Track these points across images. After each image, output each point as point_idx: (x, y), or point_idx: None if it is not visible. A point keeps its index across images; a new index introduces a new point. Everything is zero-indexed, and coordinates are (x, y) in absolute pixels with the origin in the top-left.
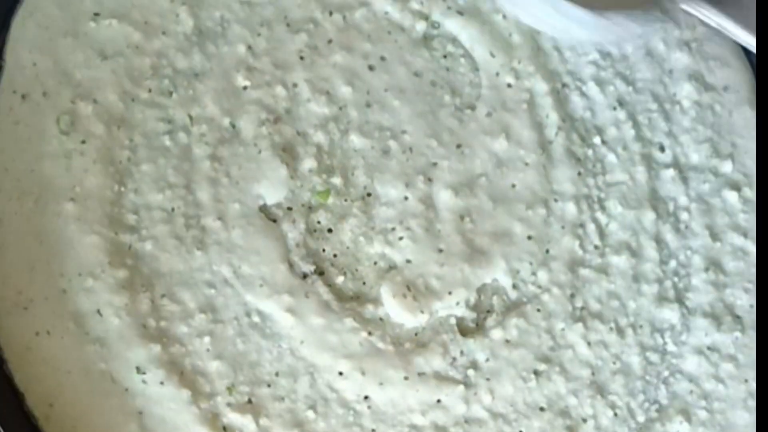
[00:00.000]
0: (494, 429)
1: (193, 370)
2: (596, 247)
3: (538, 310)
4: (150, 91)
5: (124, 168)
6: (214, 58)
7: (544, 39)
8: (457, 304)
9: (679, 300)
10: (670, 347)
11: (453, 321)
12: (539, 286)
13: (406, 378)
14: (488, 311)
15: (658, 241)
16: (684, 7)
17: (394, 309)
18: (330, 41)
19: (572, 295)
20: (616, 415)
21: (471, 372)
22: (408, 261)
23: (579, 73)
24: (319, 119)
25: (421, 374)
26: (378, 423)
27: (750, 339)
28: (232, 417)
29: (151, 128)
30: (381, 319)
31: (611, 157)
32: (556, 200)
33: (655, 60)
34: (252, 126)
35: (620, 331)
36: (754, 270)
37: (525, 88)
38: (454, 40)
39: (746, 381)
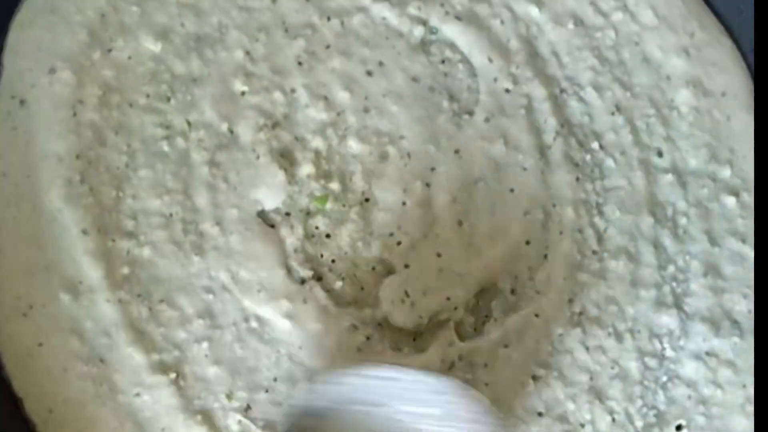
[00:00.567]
0: None
1: (192, 375)
2: (594, 252)
3: (537, 315)
4: (148, 96)
5: (121, 173)
6: (212, 63)
7: (542, 44)
8: (456, 308)
9: (678, 305)
10: (668, 352)
11: (451, 326)
12: (537, 291)
13: None
14: (486, 316)
15: (657, 246)
16: None
17: (393, 314)
18: (328, 47)
19: (570, 300)
20: (614, 420)
21: (469, 376)
22: (406, 266)
23: (577, 78)
24: (317, 124)
25: None
26: None
27: (748, 344)
28: (230, 422)
29: (149, 134)
30: (379, 324)
31: (609, 162)
32: (554, 205)
33: (653, 65)
34: (250, 131)
35: (618, 336)
36: (752, 275)
37: (523, 94)
38: (452, 46)
39: (744, 386)
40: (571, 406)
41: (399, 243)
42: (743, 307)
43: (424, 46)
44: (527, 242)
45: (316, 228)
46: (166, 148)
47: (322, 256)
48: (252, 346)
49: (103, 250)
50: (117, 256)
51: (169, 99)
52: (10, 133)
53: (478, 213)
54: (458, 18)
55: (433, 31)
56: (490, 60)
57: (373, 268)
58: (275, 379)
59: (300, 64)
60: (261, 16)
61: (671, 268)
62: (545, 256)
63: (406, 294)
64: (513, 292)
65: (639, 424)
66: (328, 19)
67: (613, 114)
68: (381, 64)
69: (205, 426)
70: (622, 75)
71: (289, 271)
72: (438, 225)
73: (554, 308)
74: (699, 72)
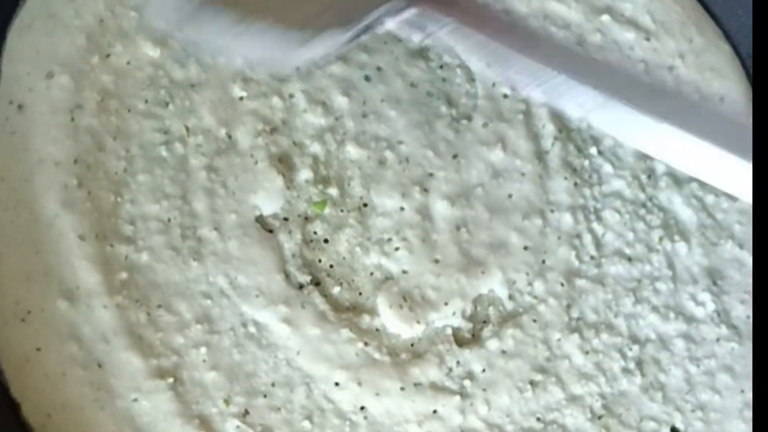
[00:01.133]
0: None
1: (190, 380)
2: (592, 257)
3: (535, 321)
4: (146, 101)
5: (120, 178)
6: (211, 69)
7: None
8: (454, 314)
9: (677, 311)
10: (667, 358)
11: (449, 331)
12: (535, 297)
13: (402, 388)
14: (484, 322)
15: (655, 251)
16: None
17: (391, 319)
18: None
19: (568, 306)
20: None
21: (467, 382)
22: (404, 271)
23: None
24: (316, 130)
25: (417, 385)
26: None
27: (746, 350)
28: (228, 427)
29: (148, 139)
30: (377, 329)
31: (607, 168)
32: (552, 210)
33: (651, 70)
34: (248, 137)
35: (617, 342)
36: (750, 280)
37: (521, 99)
38: (450, 51)
39: (742, 392)
40: (569, 410)
41: (397, 248)
42: (741, 312)
43: (422, 51)
44: (525, 248)
45: (315, 233)
46: (164, 153)
47: (320, 261)
48: (250, 351)
49: (101, 255)
50: (115, 261)
51: (167, 104)
52: (7, 138)
53: (476, 219)
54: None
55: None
56: (488, 65)
57: (371, 274)
58: (273, 384)
59: (298, 69)
60: None
61: (670, 274)
62: (543, 262)
63: (404, 299)
64: (511, 298)
65: (637, 428)
66: None
67: None
68: (379, 69)
69: (203, 431)
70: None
71: (287, 276)
72: (436, 230)
73: (552, 314)
74: (697, 77)
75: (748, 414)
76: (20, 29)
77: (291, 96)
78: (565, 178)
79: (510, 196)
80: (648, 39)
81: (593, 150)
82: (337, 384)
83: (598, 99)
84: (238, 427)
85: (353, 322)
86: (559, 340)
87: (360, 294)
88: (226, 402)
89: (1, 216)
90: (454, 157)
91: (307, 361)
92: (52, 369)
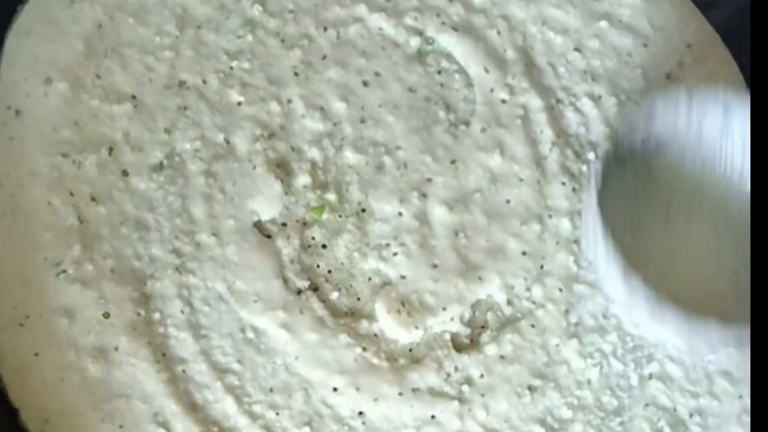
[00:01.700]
0: None
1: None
2: (590, 262)
3: (533, 326)
4: None
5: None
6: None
7: (538, 55)
8: (452, 319)
9: None
10: (666, 363)
11: (447, 337)
12: (534, 302)
13: (400, 394)
14: (483, 327)
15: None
16: None
17: (389, 325)
18: (324, 57)
19: (567, 311)
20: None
21: (465, 388)
22: (402, 277)
23: (573, 88)
24: (314, 135)
25: (415, 390)
26: None
27: (745, 355)
28: None
29: None
30: (375, 335)
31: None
32: (550, 216)
33: (649, 75)
34: (246, 142)
35: (615, 347)
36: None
37: (519, 104)
38: (449, 56)
39: (741, 397)
40: (567, 416)
41: (395, 254)
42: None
43: (420, 56)
44: (523, 253)
45: (313, 238)
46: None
47: (318, 266)
48: (248, 357)
49: None
50: None
51: None
52: (5, 144)
53: (475, 224)
54: (455, 28)
55: (429, 41)
56: (487, 70)
57: (369, 279)
58: (271, 390)
59: (296, 74)
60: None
61: None
62: (541, 267)
63: (402, 305)
64: (509, 303)
65: None
66: (325, 29)
67: (609, 124)
68: (377, 74)
69: None
70: (617, 85)
71: (285, 281)
72: (434, 236)
73: (550, 319)
74: (695, 82)
75: (747, 419)
76: (18, 34)
77: (289, 101)
78: (563, 184)
79: (508, 201)
80: (646, 45)
81: (591, 155)
82: (335, 389)
83: None
84: None
85: (351, 327)
86: (557, 345)
87: (358, 299)
88: None
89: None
90: (453, 162)
91: (306, 367)
92: (50, 374)
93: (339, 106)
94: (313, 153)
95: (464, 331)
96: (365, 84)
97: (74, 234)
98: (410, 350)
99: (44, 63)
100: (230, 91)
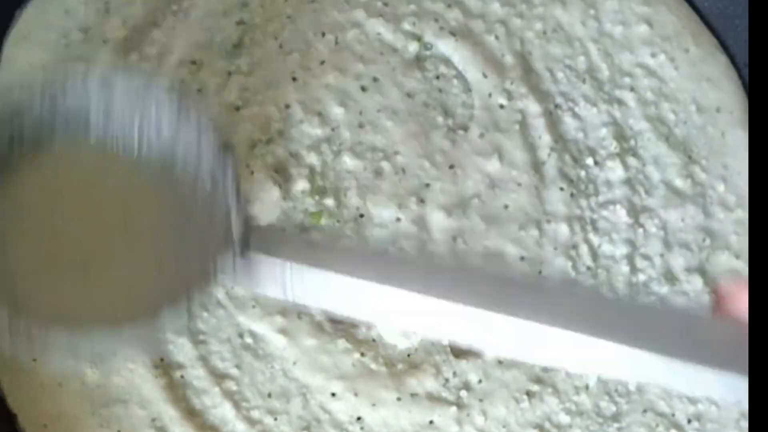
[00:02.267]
0: None
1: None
2: (589, 268)
3: None
4: None
5: None
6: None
7: (537, 60)
8: None
9: None
10: None
11: (445, 342)
12: None
13: (398, 399)
14: None
15: (652, 262)
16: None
17: (387, 330)
18: (322, 62)
19: None
20: None
21: (463, 393)
22: None
23: (571, 93)
24: (312, 140)
25: (413, 395)
26: None
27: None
28: None
29: None
30: (374, 340)
31: (604, 178)
32: (548, 221)
33: (647, 81)
34: (244, 147)
35: None
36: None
37: (517, 109)
38: (447, 61)
39: (740, 401)
40: (566, 421)
41: None
42: None
43: (418, 61)
44: (521, 258)
45: None
46: None
47: None
48: (246, 362)
49: None
50: None
51: None
52: None
53: (473, 229)
54: (453, 34)
55: (427, 46)
56: (485, 75)
57: None
58: (269, 395)
59: (294, 79)
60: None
61: (667, 284)
62: (539, 272)
63: None
64: None
65: None
66: (323, 34)
67: (607, 130)
68: (375, 79)
69: None
70: (616, 90)
71: None
72: (432, 241)
73: None
74: (693, 87)
75: (745, 424)
76: (16, 40)
77: (287, 106)
78: (562, 189)
79: (506, 206)
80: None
81: (589, 161)
82: (333, 394)
83: None
84: None
85: (349, 332)
86: None
87: None
88: None
89: None
90: (451, 167)
91: (304, 372)
92: (48, 380)
93: (337, 111)
94: (312, 158)
95: None
96: (363, 89)
97: None
98: (408, 355)
99: (41, 69)
100: (228, 96)
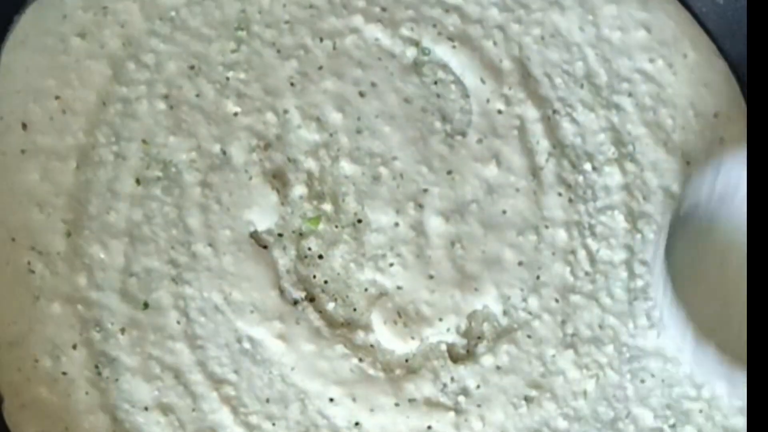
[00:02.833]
0: None
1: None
2: (587, 273)
3: (529, 337)
4: None
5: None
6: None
7: (535, 65)
8: (448, 330)
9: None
10: (662, 374)
11: (443, 347)
12: (530, 313)
13: (396, 404)
14: (479, 337)
15: (650, 267)
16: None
17: (385, 335)
18: (320, 67)
19: (563, 322)
20: None
21: (462, 398)
22: (399, 287)
23: (569, 99)
24: (310, 145)
25: (411, 400)
26: None
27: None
28: None
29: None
30: (372, 345)
31: (602, 184)
32: (546, 226)
33: (645, 86)
34: (242, 152)
35: (611, 357)
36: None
37: (515, 115)
38: (445, 67)
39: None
40: (564, 426)
41: (391, 264)
42: None
43: (416, 67)
44: (520, 263)
45: (309, 249)
46: (158, 171)
47: (314, 277)
48: (244, 367)
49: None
50: None
51: None
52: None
53: (471, 234)
54: (451, 39)
55: (425, 52)
56: (483, 81)
57: (366, 290)
58: (267, 401)
59: (292, 84)
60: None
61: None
62: (537, 278)
63: (399, 315)
64: (505, 313)
65: None
66: (321, 40)
67: (605, 135)
68: (373, 85)
69: None
70: (614, 96)
71: (281, 292)
72: (430, 246)
73: (547, 330)
74: (691, 93)
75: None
76: (14, 46)
77: (285, 112)
78: (560, 194)
79: (504, 212)
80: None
81: (587, 166)
82: (331, 400)
83: None
84: None
85: (348, 337)
86: (553, 356)
87: (354, 310)
88: None
89: None
90: (449, 173)
91: (302, 377)
92: (47, 384)
93: (335, 117)
94: (310, 163)
95: (460, 341)
96: (361, 94)
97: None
98: (406, 361)
99: (36, 76)
100: (226, 102)
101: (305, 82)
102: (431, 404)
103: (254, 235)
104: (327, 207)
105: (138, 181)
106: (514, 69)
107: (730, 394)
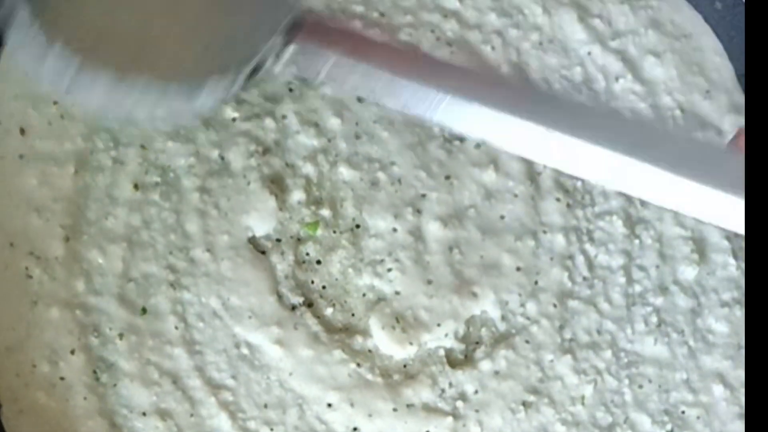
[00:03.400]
0: None
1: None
2: (585, 278)
3: (527, 342)
4: None
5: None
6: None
7: (533, 70)
8: (446, 335)
9: (667, 333)
10: (659, 379)
11: (442, 352)
12: (528, 318)
13: (394, 409)
14: (477, 343)
15: (648, 272)
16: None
17: (383, 341)
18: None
19: (561, 327)
20: None
21: (460, 403)
22: (397, 293)
23: None
24: (308, 151)
25: (409, 406)
26: None
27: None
28: None
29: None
30: (370, 350)
31: (600, 189)
32: (544, 232)
33: (644, 92)
34: (241, 158)
35: (609, 362)
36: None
37: None
38: None
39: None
40: (562, 431)
41: (389, 270)
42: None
43: None
44: (518, 269)
45: (307, 254)
46: (156, 177)
47: (312, 282)
48: (243, 372)
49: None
50: None
51: None
52: None
53: (469, 240)
54: (449, 44)
55: None
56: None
57: (364, 295)
58: (266, 405)
59: (290, 90)
60: None
61: (662, 295)
62: (536, 283)
63: (397, 321)
64: (503, 318)
65: None
66: None
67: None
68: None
69: None
70: (612, 101)
71: (279, 297)
72: (428, 252)
73: (545, 335)
74: (690, 98)
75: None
76: (6, 58)
77: (284, 117)
78: (558, 200)
79: (502, 217)
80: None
81: None
82: (329, 405)
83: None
84: None
85: (346, 343)
86: (551, 361)
87: (353, 315)
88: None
89: None
90: (447, 178)
91: (300, 383)
92: (47, 390)
93: (333, 122)
94: (308, 169)
95: (458, 346)
96: (359, 100)
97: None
98: (405, 366)
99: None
100: (225, 107)
101: (303, 88)
102: (429, 409)
103: (252, 241)
104: (325, 212)
105: (136, 187)
106: (513, 74)
107: None
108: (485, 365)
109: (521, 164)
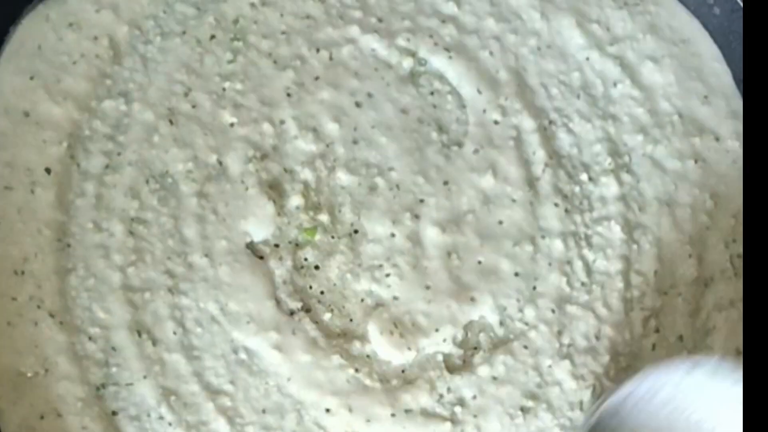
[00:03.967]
0: None
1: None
2: (583, 284)
3: (525, 347)
4: None
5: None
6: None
7: (531, 76)
8: (444, 340)
9: (666, 336)
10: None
11: (440, 358)
12: (526, 323)
13: (393, 415)
14: (475, 348)
15: (646, 278)
16: None
17: (381, 346)
18: (317, 78)
19: (559, 332)
20: None
21: (458, 409)
22: (395, 298)
23: (565, 109)
24: (306, 156)
25: (408, 411)
26: None
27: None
28: None
29: None
30: (368, 356)
31: (598, 194)
32: (543, 237)
33: (642, 97)
34: (239, 163)
35: (608, 368)
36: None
37: (512, 125)
38: (441, 77)
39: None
40: None
41: (388, 275)
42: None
43: (413, 77)
44: (516, 274)
45: (305, 260)
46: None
47: (311, 287)
48: (241, 378)
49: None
50: None
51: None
52: None
53: (467, 245)
54: (447, 49)
55: (422, 62)
56: (479, 91)
57: (362, 300)
58: (264, 411)
59: (289, 95)
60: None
61: (661, 300)
62: (534, 288)
63: (395, 326)
64: (502, 324)
65: None
66: (317, 50)
67: (601, 145)
68: (370, 95)
69: None
70: (610, 106)
71: (278, 302)
72: (426, 257)
73: (543, 340)
74: (688, 103)
75: None
76: (8, 59)
77: (282, 122)
78: (556, 205)
79: (501, 222)
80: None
81: (584, 176)
82: (327, 410)
83: None
84: None
85: (344, 348)
86: (550, 366)
87: (351, 320)
88: None
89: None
90: (445, 183)
91: (298, 388)
92: (48, 394)
93: (331, 127)
94: (306, 174)
95: (457, 352)
96: (358, 105)
97: (65, 255)
98: (403, 371)
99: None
100: (223, 112)
101: (302, 93)
102: (428, 415)
103: (250, 246)
104: (323, 217)
105: (134, 192)
106: (511, 79)
107: None
108: (483, 370)
109: (520, 170)
